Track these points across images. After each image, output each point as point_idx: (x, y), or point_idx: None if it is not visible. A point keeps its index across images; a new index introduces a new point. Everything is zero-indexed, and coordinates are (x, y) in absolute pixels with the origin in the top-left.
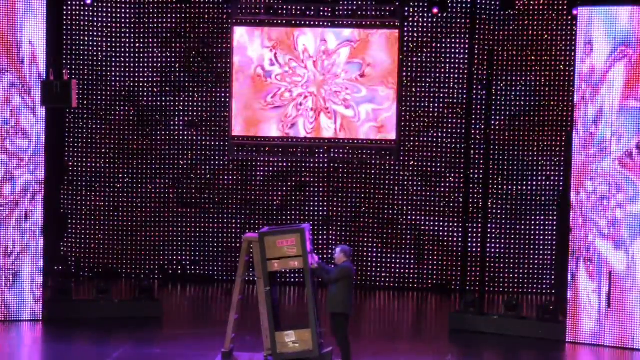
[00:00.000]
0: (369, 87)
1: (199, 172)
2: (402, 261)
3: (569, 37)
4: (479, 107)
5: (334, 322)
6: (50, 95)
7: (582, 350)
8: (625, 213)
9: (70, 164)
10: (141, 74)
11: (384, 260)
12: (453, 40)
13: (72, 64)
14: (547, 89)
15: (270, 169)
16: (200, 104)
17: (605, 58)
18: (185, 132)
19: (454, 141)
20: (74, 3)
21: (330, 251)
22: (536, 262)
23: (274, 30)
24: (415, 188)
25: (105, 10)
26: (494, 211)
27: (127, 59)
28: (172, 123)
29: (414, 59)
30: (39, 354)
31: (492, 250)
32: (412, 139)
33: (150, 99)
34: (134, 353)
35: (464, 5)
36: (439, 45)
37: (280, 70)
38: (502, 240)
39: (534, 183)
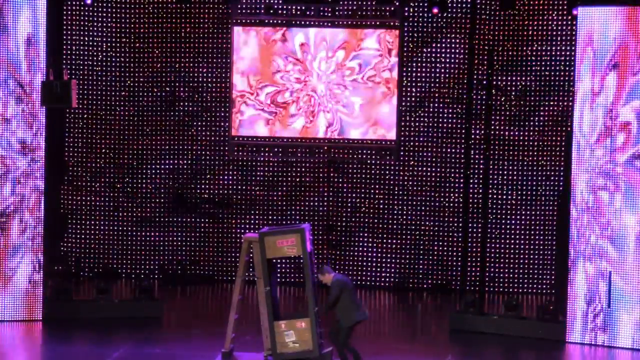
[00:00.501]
0: (369, 87)
1: (199, 172)
2: (402, 261)
3: (569, 37)
4: (479, 107)
5: (338, 328)
6: (50, 95)
7: (582, 350)
8: (625, 212)
9: (71, 164)
10: (141, 74)
11: (383, 260)
12: (453, 40)
13: (72, 64)
14: (547, 89)
15: (270, 169)
16: (200, 104)
17: (605, 58)
18: (185, 132)
19: (454, 141)
20: (74, 3)
21: (330, 252)
22: (536, 262)
23: (273, 30)
24: (415, 188)
25: (105, 10)
26: (494, 211)
27: (127, 59)
28: (172, 123)
29: (414, 59)
30: (39, 354)
31: (492, 250)
32: (412, 139)
33: (150, 99)
34: (134, 353)
35: (464, 5)
36: (439, 45)
37: (279, 71)
38: (502, 240)
39: (534, 183)
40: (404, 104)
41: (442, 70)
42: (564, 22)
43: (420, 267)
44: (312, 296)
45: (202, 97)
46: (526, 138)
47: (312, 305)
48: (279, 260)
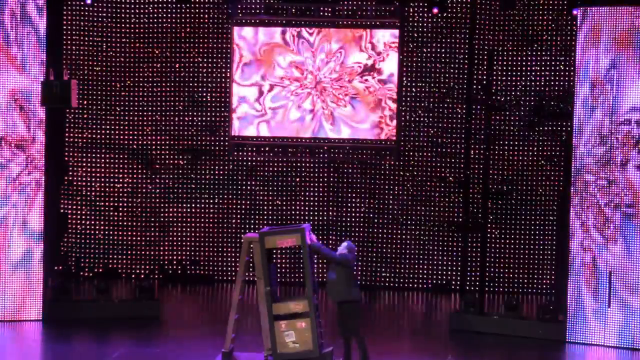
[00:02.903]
0: (369, 87)
1: (199, 172)
2: (402, 261)
3: (569, 37)
4: (479, 107)
5: (341, 312)
6: (50, 95)
7: (582, 351)
8: (625, 212)
9: (71, 163)
10: (141, 74)
11: (384, 260)
12: (453, 40)
13: (72, 64)
14: (547, 89)
15: (270, 169)
16: (200, 103)
17: (606, 58)
18: (186, 132)
19: (454, 141)
20: (74, 3)
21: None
22: (536, 262)
23: (273, 30)
24: (415, 188)
25: (105, 10)
26: (494, 211)
27: (127, 59)
28: (172, 123)
29: (414, 59)
30: (39, 354)
31: (492, 250)
32: (412, 139)
33: (150, 99)
34: (134, 353)
35: (464, 5)
36: (439, 45)
37: (279, 70)
38: (502, 240)
39: (534, 183)
40: (404, 104)
41: (442, 70)
42: (564, 22)
43: (421, 267)
44: (312, 296)
45: (202, 97)
46: (526, 138)
47: (312, 305)
48: (279, 259)
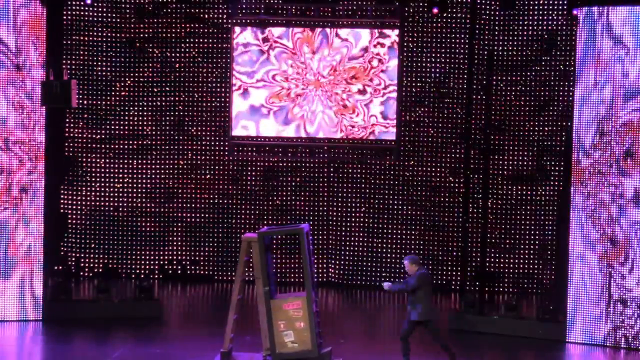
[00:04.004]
0: (369, 87)
1: (199, 171)
2: (402, 261)
3: (569, 37)
4: (479, 107)
5: (429, 330)
6: (50, 95)
7: (582, 350)
8: (625, 212)
9: (71, 161)
10: (141, 74)
11: (383, 260)
12: (453, 40)
13: (72, 64)
14: (547, 88)
15: (270, 169)
16: (200, 103)
17: (606, 57)
18: (185, 132)
19: (454, 141)
20: (74, 3)
21: (329, 253)
22: (536, 262)
23: (273, 30)
24: (415, 188)
25: (105, 10)
26: (494, 211)
27: (127, 59)
28: (171, 123)
29: (414, 59)
30: (39, 354)
31: (492, 250)
32: (412, 138)
33: (150, 99)
34: (134, 353)
35: (464, 5)
36: (439, 45)
37: (280, 70)
38: (502, 240)
39: (534, 183)
40: (403, 104)
41: (442, 70)
42: (564, 22)
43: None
44: (311, 296)
45: (202, 98)
46: (526, 138)
47: (311, 304)
48: (277, 259)
